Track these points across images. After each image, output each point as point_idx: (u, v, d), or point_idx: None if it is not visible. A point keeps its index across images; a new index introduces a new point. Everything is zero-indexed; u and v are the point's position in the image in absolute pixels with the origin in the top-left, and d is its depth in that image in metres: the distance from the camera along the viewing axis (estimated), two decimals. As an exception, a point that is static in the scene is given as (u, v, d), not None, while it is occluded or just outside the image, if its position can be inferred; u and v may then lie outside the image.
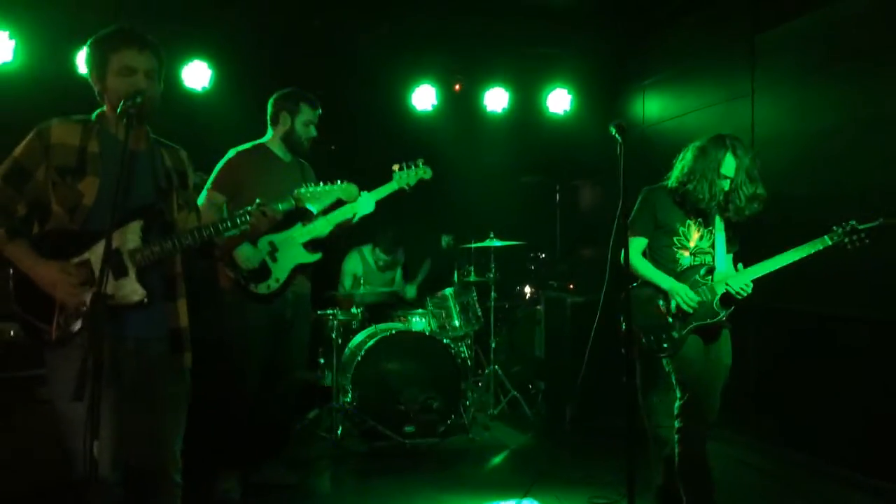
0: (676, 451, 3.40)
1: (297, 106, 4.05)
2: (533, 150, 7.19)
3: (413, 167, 4.15)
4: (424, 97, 6.49)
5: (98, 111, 2.54)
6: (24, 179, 2.39)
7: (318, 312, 5.30)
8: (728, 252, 3.51)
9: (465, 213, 6.58)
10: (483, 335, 5.93)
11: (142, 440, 2.51)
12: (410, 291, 6.26)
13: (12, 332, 3.97)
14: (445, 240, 6.32)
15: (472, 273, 5.88)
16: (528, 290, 6.73)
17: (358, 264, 6.05)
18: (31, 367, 3.79)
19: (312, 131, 4.11)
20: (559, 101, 6.89)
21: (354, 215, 4.08)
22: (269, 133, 4.11)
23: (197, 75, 5.60)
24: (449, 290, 5.58)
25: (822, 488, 4.16)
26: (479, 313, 5.63)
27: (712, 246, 3.49)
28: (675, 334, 3.39)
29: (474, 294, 5.67)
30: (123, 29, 2.48)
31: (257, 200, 2.77)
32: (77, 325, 2.37)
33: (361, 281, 5.46)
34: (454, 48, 6.49)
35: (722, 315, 3.38)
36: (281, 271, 3.90)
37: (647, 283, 3.50)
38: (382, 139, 6.37)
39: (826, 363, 4.36)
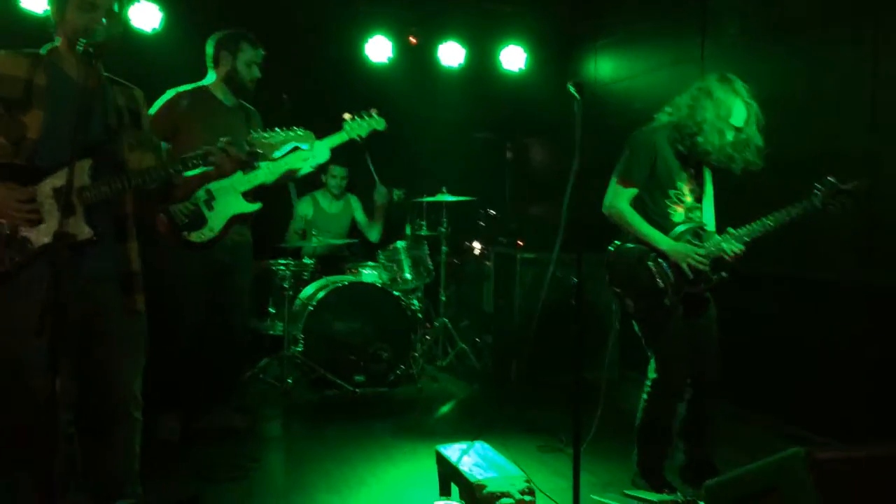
0: (639, 416, 3.31)
1: (237, 45, 3.95)
2: (487, 107, 7.22)
3: (366, 117, 4.06)
4: (380, 49, 6.43)
5: (49, 46, 2.49)
6: None
7: (270, 262, 5.31)
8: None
9: (418, 168, 6.60)
10: (433, 289, 6.01)
11: (97, 380, 2.53)
12: (374, 234, 6.24)
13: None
14: (397, 193, 6.32)
15: (424, 227, 5.94)
16: (476, 245, 6.83)
17: (309, 207, 6.05)
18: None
19: (255, 72, 4.01)
20: (514, 58, 6.90)
21: (299, 170, 3.98)
22: (211, 76, 4.02)
23: (147, 16, 5.43)
24: (401, 244, 5.63)
25: (747, 435, 4.39)
26: (431, 267, 5.70)
27: (699, 200, 3.27)
28: (667, 301, 3.14)
29: (426, 248, 5.74)
30: None
31: (222, 139, 2.72)
32: (22, 261, 2.36)
33: (313, 227, 5.43)
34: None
35: (714, 280, 3.17)
36: (216, 221, 3.81)
37: (638, 241, 3.22)
38: (336, 90, 6.30)
39: (750, 319, 4.56)
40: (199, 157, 2.66)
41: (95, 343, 2.51)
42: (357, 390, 4.96)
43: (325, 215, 6.11)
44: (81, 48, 2.26)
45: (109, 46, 2.41)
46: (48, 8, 2.49)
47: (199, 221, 3.78)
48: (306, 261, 5.46)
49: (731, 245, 3.13)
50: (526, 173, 7.52)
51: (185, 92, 3.91)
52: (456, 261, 6.61)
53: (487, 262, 6.33)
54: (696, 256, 3.13)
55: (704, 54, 5.08)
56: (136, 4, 5.40)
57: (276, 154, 3.11)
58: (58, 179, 2.37)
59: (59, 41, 2.48)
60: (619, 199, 3.22)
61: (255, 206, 3.94)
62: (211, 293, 3.92)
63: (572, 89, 2.83)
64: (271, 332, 5.41)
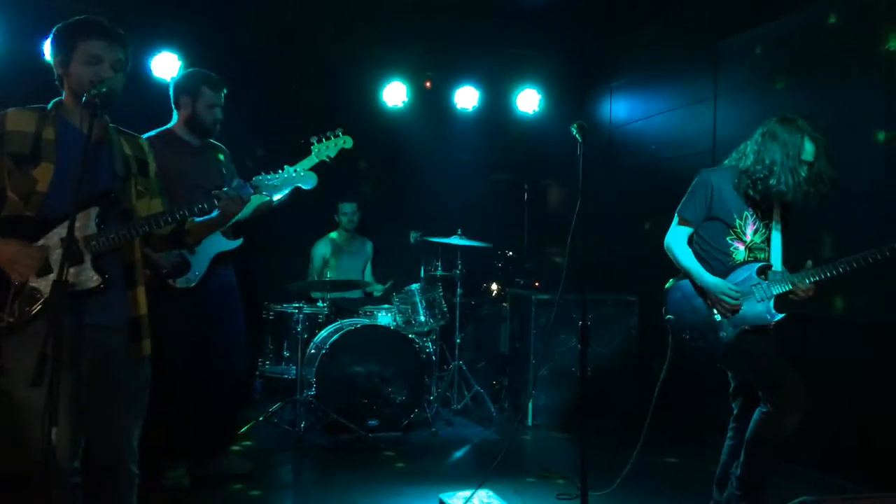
0: (752, 429, 3.16)
1: (197, 89, 3.87)
2: (502, 149, 7.27)
3: (332, 137, 3.78)
4: (395, 94, 6.53)
5: (55, 100, 2.54)
6: None
7: (284, 306, 5.33)
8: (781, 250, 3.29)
9: (434, 210, 6.62)
10: (448, 331, 5.99)
11: (99, 430, 2.52)
12: (377, 291, 6.29)
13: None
14: (413, 235, 6.36)
15: (439, 268, 5.94)
16: (494, 287, 6.80)
17: (326, 247, 6.16)
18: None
19: (218, 114, 3.93)
20: (528, 101, 6.95)
21: (272, 201, 3.84)
22: (175, 118, 3.96)
23: (166, 65, 5.57)
24: (415, 286, 5.62)
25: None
26: (445, 309, 5.68)
27: (766, 242, 3.28)
28: (723, 334, 3.18)
29: (440, 290, 5.72)
30: (95, 19, 2.49)
31: (234, 182, 2.73)
32: (33, 311, 2.38)
33: (330, 263, 5.44)
34: (425, 46, 6.53)
35: (776, 319, 3.17)
36: (199, 264, 3.80)
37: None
38: (353, 134, 6.34)
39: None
40: (205, 202, 2.67)
41: (101, 391, 2.50)
42: (370, 434, 4.91)
43: (342, 251, 6.18)
44: (86, 99, 2.31)
45: (112, 98, 2.44)
46: (51, 61, 2.52)
47: (183, 267, 3.75)
48: (320, 304, 5.48)
49: (799, 284, 3.14)
50: (543, 214, 7.51)
51: (151, 137, 3.79)
52: (472, 302, 6.58)
53: (504, 304, 6.29)
54: (726, 298, 3.14)
55: (717, 94, 5.08)
56: (158, 56, 5.56)
57: (278, 194, 3.07)
58: (66, 229, 2.40)
59: (64, 95, 2.53)
60: (674, 235, 3.34)
61: (236, 243, 3.94)
62: (203, 338, 3.88)
63: (575, 131, 2.84)
64: (286, 377, 5.41)
